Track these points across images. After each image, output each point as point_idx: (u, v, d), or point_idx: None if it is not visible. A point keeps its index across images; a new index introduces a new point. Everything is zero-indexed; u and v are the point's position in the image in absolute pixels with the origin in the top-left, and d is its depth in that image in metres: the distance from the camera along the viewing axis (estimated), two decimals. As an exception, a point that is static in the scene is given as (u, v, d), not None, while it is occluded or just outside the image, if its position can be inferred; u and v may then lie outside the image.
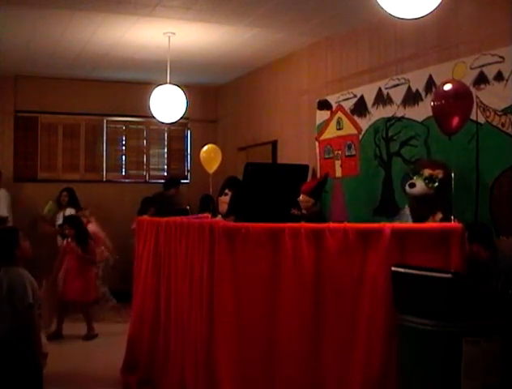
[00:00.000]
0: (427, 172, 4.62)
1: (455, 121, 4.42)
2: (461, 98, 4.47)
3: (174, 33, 7.00)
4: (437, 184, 4.53)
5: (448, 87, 4.53)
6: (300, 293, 3.63)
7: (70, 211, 8.63)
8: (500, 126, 4.81)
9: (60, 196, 8.94)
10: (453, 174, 4.18)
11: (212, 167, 8.73)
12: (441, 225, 3.92)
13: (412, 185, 4.64)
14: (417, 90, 5.67)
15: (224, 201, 5.21)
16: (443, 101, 4.47)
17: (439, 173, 4.57)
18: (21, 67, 8.85)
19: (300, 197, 5.60)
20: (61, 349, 6.55)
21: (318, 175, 6.80)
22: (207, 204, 7.95)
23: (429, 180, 4.56)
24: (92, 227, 8.21)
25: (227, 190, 5.26)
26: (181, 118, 7.84)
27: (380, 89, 6.21)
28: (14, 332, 4.25)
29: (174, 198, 9.42)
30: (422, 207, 4.58)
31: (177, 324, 4.60)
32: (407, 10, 3.72)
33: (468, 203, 4.93)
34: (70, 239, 7.35)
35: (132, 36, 7.19)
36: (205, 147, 8.90)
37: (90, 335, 7.15)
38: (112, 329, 7.32)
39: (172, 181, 9.63)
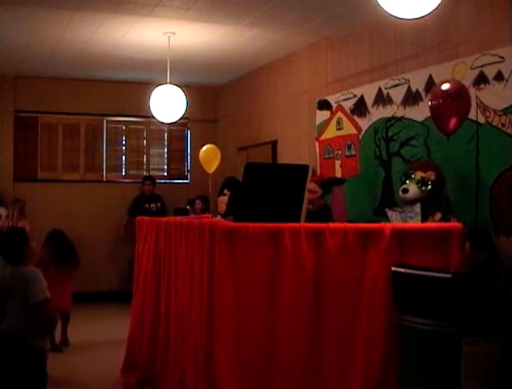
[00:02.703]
0: (419, 175, 4.60)
1: (453, 121, 4.41)
2: (458, 98, 4.47)
3: (174, 33, 7.00)
4: (430, 187, 4.51)
5: (445, 86, 4.52)
6: (301, 293, 3.62)
7: (1, 211, 8.58)
8: (500, 126, 4.80)
9: None
10: (450, 174, 4.18)
11: (211, 167, 8.73)
12: (441, 225, 3.93)
13: (405, 191, 4.62)
14: (417, 90, 5.68)
15: (223, 201, 5.20)
16: (440, 101, 4.47)
17: (431, 175, 4.56)
18: (21, 67, 8.84)
19: (310, 185, 5.43)
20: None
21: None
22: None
23: (422, 183, 4.54)
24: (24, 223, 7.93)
25: (225, 191, 5.25)
26: (181, 118, 7.84)
27: (380, 89, 6.21)
28: (29, 327, 4.27)
29: (148, 196, 9.53)
30: None
31: (176, 324, 4.59)
32: (407, 10, 3.72)
33: (468, 203, 4.92)
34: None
35: (132, 36, 7.19)
36: (204, 147, 8.90)
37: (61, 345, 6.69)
38: (112, 329, 7.31)
39: (147, 177, 9.80)
